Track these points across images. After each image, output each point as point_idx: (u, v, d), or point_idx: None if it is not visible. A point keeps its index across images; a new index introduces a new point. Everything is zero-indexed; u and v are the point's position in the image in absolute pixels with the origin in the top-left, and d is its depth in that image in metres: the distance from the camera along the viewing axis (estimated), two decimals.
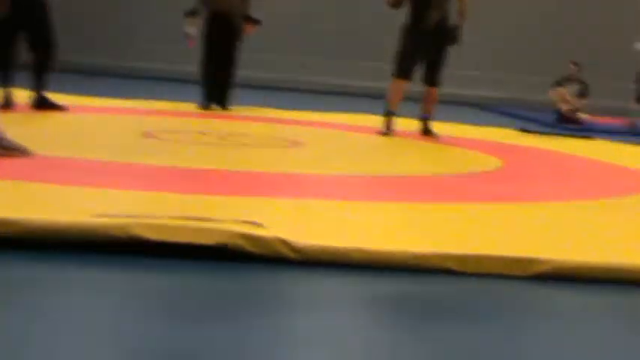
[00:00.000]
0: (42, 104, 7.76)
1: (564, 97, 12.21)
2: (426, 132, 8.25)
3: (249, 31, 9.84)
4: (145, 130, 6.95)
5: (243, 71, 10.28)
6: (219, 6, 9.56)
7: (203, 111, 9.42)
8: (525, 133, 9.56)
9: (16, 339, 2.20)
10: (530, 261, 3.24)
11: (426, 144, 7.86)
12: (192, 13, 9.74)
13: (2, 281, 2.74)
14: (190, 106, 9.59)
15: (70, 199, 3.83)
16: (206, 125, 7.89)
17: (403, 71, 8.07)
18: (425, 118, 8.30)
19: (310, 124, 8.94)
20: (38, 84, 7.75)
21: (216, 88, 9.70)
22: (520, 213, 4.42)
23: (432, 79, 8.17)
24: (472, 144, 7.91)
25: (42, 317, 2.39)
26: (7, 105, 7.53)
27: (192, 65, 10.10)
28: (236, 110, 9.68)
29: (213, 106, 9.65)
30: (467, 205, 4.54)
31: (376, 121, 8.72)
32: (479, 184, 5.47)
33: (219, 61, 9.66)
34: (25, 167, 4.61)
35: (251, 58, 11.28)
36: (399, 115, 8.25)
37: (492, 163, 6.63)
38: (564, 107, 12.14)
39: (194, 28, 9.70)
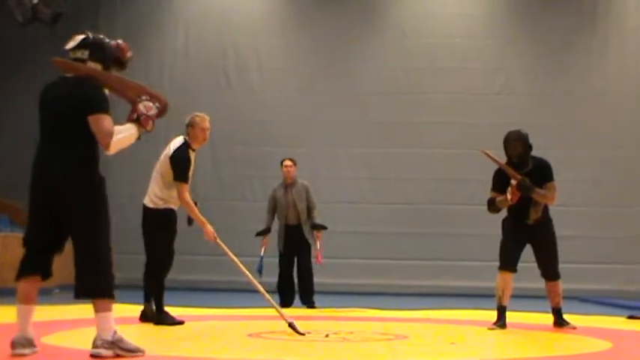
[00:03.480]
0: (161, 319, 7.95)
1: None
2: (559, 323, 8.11)
3: (319, 237, 10.82)
4: (249, 332, 7.09)
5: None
6: (290, 220, 10.78)
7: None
8: (634, 320, 9.35)
9: None
10: None
11: (535, 333, 7.79)
12: (263, 233, 10.92)
13: None
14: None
15: None
16: (309, 325, 7.98)
17: (505, 263, 8.06)
18: (554, 311, 8.20)
19: (413, 320, 8.98)
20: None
21: (301, 290, 10.81)
22: None
23: (547, 274, 8.15)
24: (580, 331, 7.82)
25: None
26: (145, 318, 7.96)
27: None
28: (334, 311, 10.06)
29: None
30: None
31: (483, 315, 8.73)
32: None
33: (299, 268, 10.79)
34: None
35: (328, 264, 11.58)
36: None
37: (602, 345, 6.53)
38: None
39: (263, 248, 10.89)
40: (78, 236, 5.09)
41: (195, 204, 7.91)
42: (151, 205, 7.93)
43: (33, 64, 15.01)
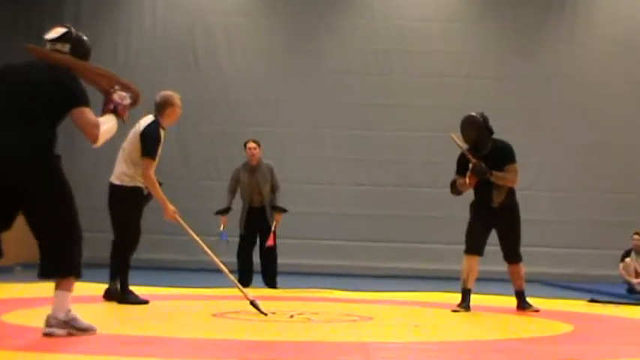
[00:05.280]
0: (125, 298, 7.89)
1: (633, 269, 12.12)
2: (522, 306, 8.17)
3: (278, 220, 10.67)
4: (214, 312, 7.08)
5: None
6: (254, 202, 10.67)
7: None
8: (596, 303, 9.47)
9: None
10: None
11: (499, 315, 7.86)
12: (223, 212, 10.73)
13: None
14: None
15: None
16: (274, 306, 7.98)
17: (471, 247, 8.12)
18: (517, 294, 8.27)
19: (378, 301, 9.01)
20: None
21: (264, 271, 10.73)
22: None
23: (508, 257, 8.20)
24: (543, 314, 7.89)
25: None
26: (109, 296, 7.87)
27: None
28: (299, 292, 10.12)
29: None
30: None
31: (448, 298, 8.81)
32: (549, 346, 5.50)
33: (263, 249, 10.65)
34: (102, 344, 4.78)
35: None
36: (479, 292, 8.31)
37: (563, 328, 6.60)
38: (634, 279, 12.03)
39: (222, 226, 10.67)
40: (44, 217, 4.99)
41: (160, 184, 7.85)
42: (117, 182, 7.85)
43: None
